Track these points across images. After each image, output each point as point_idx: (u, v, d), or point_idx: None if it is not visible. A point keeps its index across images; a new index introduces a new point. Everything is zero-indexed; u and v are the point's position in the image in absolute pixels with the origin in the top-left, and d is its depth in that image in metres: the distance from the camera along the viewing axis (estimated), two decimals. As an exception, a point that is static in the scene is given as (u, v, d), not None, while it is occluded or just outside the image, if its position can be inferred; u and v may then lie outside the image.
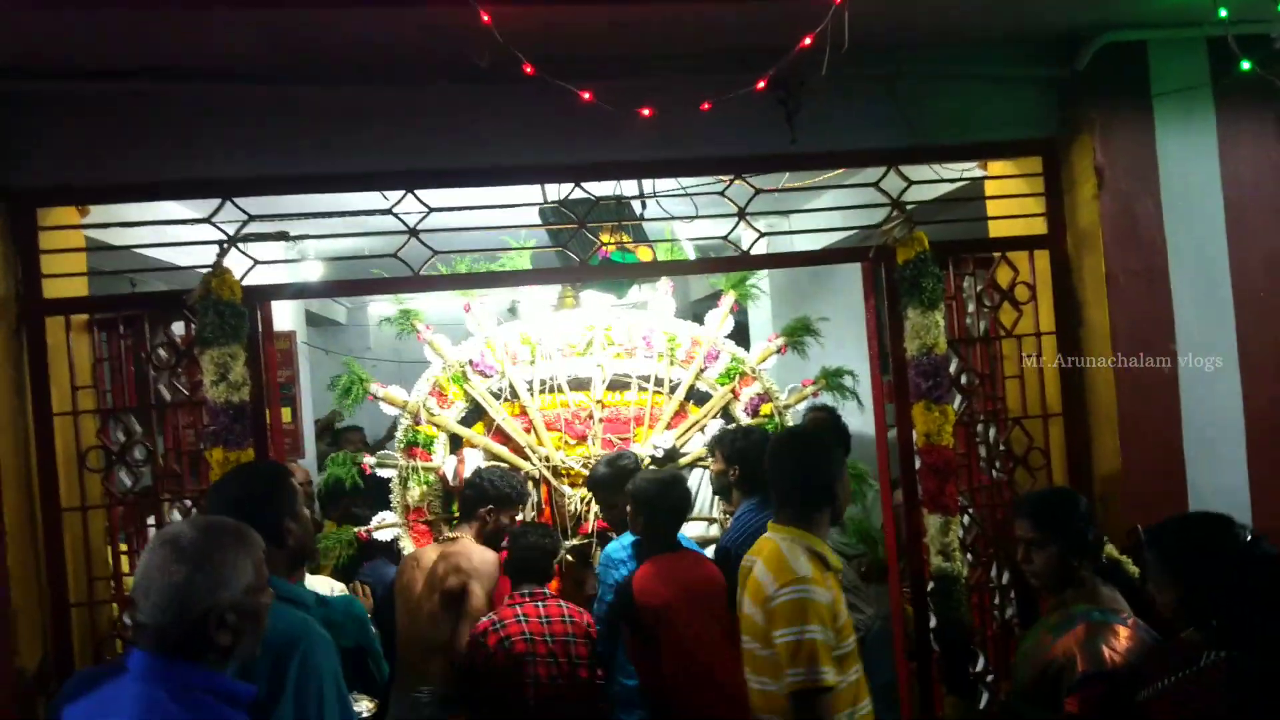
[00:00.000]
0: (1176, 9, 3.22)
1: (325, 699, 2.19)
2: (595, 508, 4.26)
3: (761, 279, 4.88)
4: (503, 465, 4.26)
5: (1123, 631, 2.49)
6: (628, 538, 3.70)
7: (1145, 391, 3.38)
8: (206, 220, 3.11)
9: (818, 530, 2.67)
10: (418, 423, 4.35)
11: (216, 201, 3.17)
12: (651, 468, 3.67)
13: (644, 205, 3.74)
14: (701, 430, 4.54)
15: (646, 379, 4.51)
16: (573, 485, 4.44)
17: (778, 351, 4.62)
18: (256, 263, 3.16)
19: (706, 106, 2.75)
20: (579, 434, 4.45)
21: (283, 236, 3.07)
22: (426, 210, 3.22)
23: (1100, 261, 3.40)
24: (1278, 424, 3.41)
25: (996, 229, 3.84)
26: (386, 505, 4.36)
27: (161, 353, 3.14)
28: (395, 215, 3.21)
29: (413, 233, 3.22)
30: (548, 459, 4.40)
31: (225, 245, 3.11)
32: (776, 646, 2.50)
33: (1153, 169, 3.45)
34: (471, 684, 3.39)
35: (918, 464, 3.44)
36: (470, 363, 4.37)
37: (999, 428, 3.65)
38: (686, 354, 4.53)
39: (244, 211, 3.13)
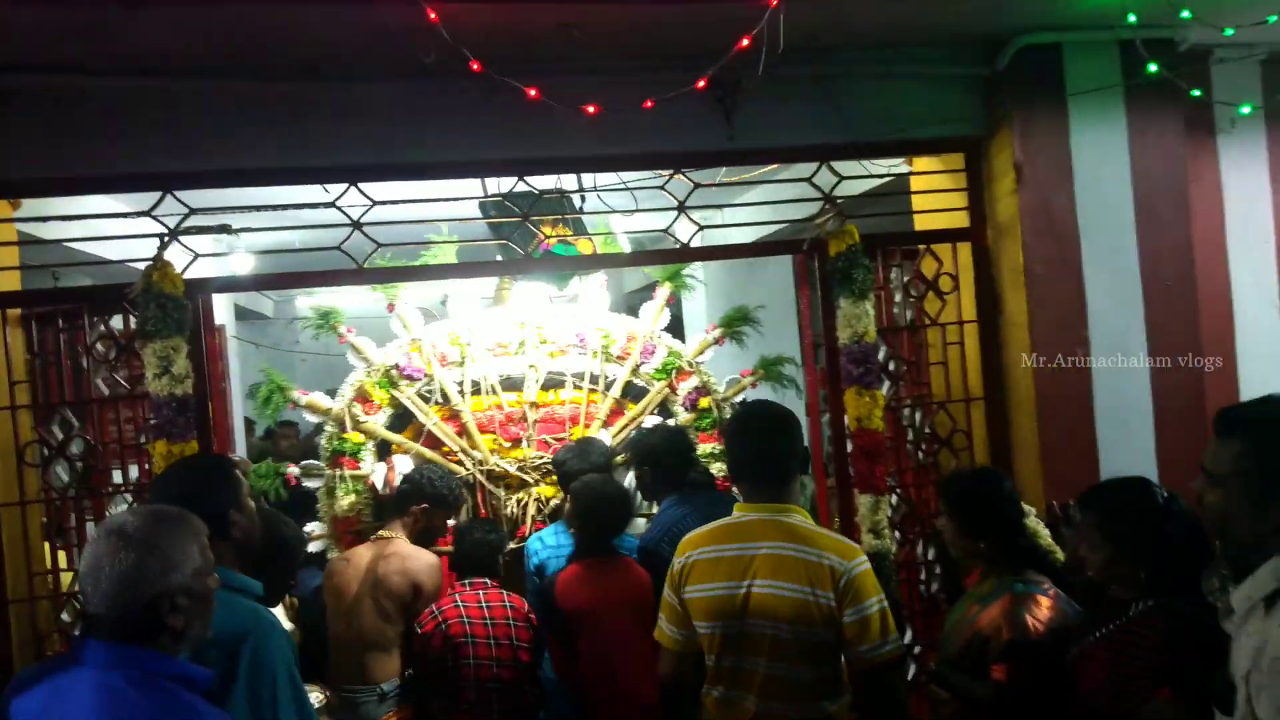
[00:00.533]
0: (1089, 13, 3.40)
1: (279, 685, 2.23)
2: (531, 510, 4.22)
3: (696, 270, 4.88)
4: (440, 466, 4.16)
5: (1044, 602, 2.66)
6: (553, 530, 3.80)
7: (1061, 376, 3.58)
8: (147, 213, 3.10)
9: (800, 503, 2.60)
10: (344, 430, 4.22)
11: (154, 196, 3.15)
12: (593, 476, 3.63)
13: (583, 199, 3.81)
14: (639, 427, 4.39)
15: (581, 377, 4.41)
16: (508, 489, 4.34)
17: (715, 343, 4.57)
18: (197, 256, 3.15)
19: (649, 104, 2.83)
20: (513, 436, 4.34)
21: (225, 229, 3.07)
22: (370, 203, 3.24)
23: (1019, 252, 3.59)
24: (1183, 405, 3.63)
25: (921, 222, 4.01)
26: (314, 516, 4.21)
27: (100, 346, 3.11)
28: (339, 208, 3.23)
29: (356, 225, 3.24)
30: (482, 463, 4.29)
31: (166, 239, 3.10)
32: (868, 617, 2.38)
33: (1067, 164, 3.64)
34: (416, 675, 3.42)
35: (849, 447, 3.59)
36: (396, 366, 4.23)
37: (924, 412, 3.82)
38: (622, 350, 4.45)
39: (185, 205, 3.12)
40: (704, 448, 4.38)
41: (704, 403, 4.54)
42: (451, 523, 3.89)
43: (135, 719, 1.74)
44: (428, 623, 3.36)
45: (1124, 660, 2.29)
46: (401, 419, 4.38)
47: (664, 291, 4.54)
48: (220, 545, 2.13)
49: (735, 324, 4.57)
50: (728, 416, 4.38)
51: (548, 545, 3.75)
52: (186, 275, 3.09)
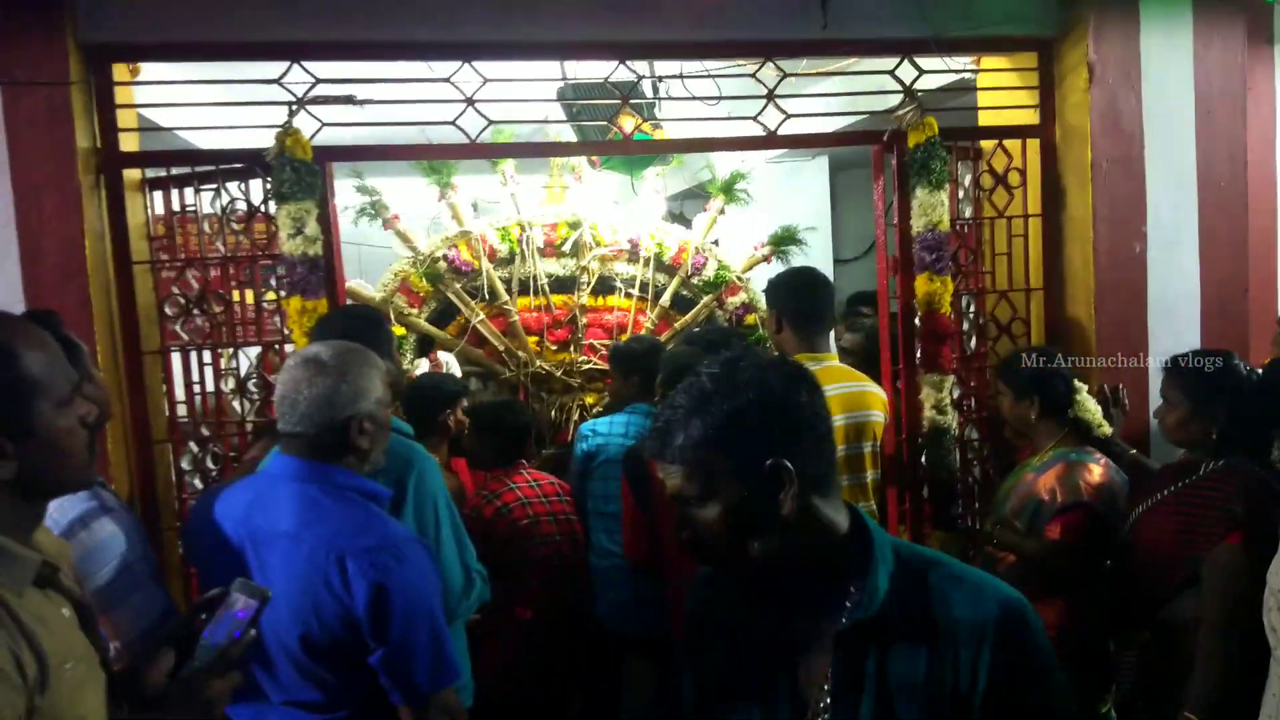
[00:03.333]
0: (1171, -82, 3.55)
1: (439, 509, 2.49)
2: (575, 416, 4.11)
3: (747, 184, 4.72)
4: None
5: (1095, 469, 2.93)
6: (607, 420, 3.63)
7: (1117, 268, 3.81)
8: (277, 81, 3.25)
9: None
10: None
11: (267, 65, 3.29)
12: (682, 347, 3.58)
13: (662, 87, 3.95)
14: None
15: (631, 283, 4.29)
16: (550, 393, 4.22)
17: (764, 260, 4.52)
18: (323, 124, 3.32)
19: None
20: (560, 338, 4.19)
21: (350, 100, 3.24)
22: (482, 80, 3.40)
23: (1086, 150, 3.78)
24: (1226, 297, 3.88)
25: (986, 119, 4.18)
26: None
27: (239, 207, 3.30)
28: (453, 84, 3.39)
29: (469, 102, 3.41)
30: (527, 365, 4.16)
31: (295, 107, 3.26)
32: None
33: (1136, 67, 3.80)
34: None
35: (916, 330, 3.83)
36: (444, 258, 4.10)
37: (981, 303, 4.05)
38: (673, 258, 4.35)
39: (311, 75, 3.28)
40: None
41: (750, 319, 4.53)
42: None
43: (330, 521, 1.95)
44: (486, 508, 3.31)
45: (1195, 512, 2.51)
46: (444, 314, 4.22)
47: (716, 202, 4.49)
48: None
49: (783, 243, 4.59)
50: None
51: (600, 433, 3.58)
52: (313, 143, 3.27)
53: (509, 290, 4.22)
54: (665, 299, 4.38)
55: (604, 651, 3.59)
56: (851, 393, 3.02)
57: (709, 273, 4.46)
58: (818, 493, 1.31)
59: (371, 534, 1.93)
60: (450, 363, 4.14)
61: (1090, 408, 3.31)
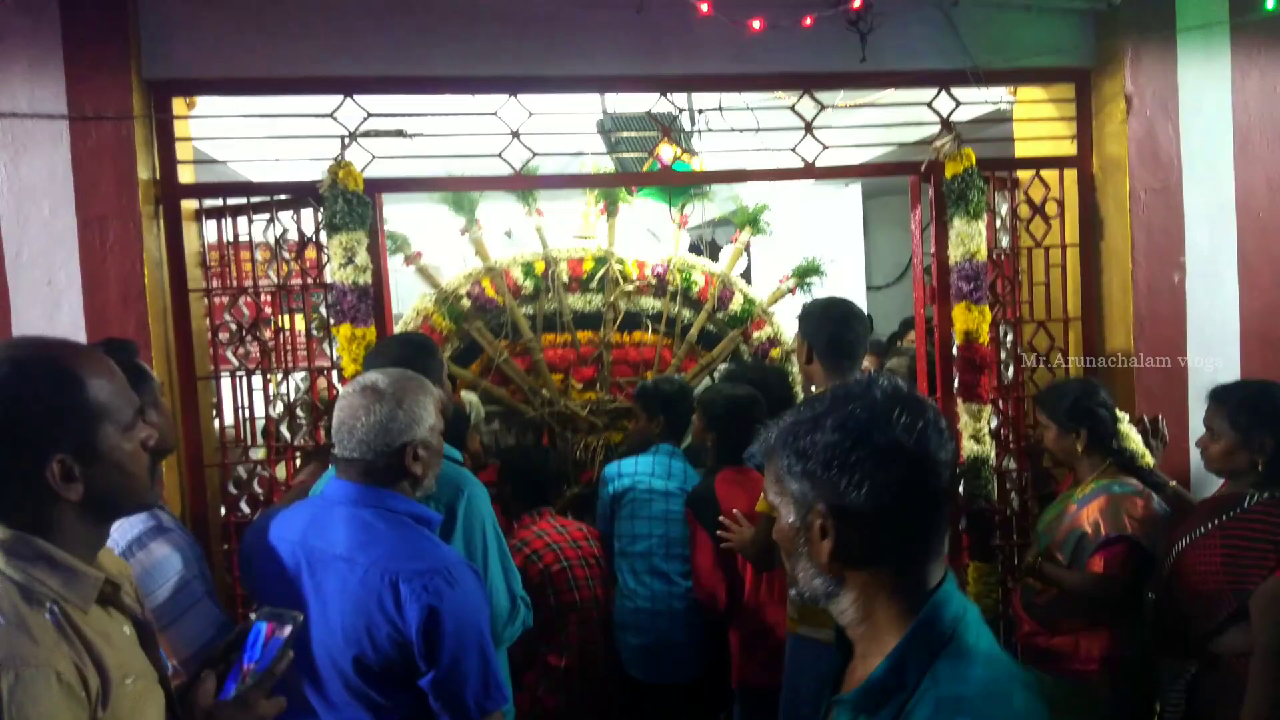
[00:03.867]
0: (1206, -48, 3.58)
1: (487, 534, 2.53)
2: (600, 457, 4.00)
3: (771, 215, 4.65)
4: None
5: (1139, 502, 2.92)
6: (633, 460, 3.56)
7: (1156, 299, 3.81)
8: (330, 115, 3.35)
9: None
10: None
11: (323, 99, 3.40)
12: (719, 383, 3.58)
13: (701, 119, 4.02)
14: (711, 375, 4.31)
15: (657, 318, 4.19)
16: (575, 432, 4.10)
17: (789, 292, 4.47)
18: (374, 157, 3.41)
19: (809, 21, 3.05)
20: (586, 376, 4.09)
21: (401, 134, 3.32)
22: (528, 114, 3.49)
23: (1124, 180, 3.80)
24: (1268, 328, 3.88)
25: (1023, 149, 4.21)
26: None
27: (291, 237, 3.40)
28: (499, 118, 3.48)
29: (515, 135, 3.49)
30: (551, 404, 4.05)
31: (347, 140, 3.36)
32: None
33: (1173, 97, 3.83)
34: None
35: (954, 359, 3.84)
36: (467, 294, 3.99)
37: (1018, 332, 4.06)
38: (700, 292, 4.27)
39: (363, 109, 3.37)
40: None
41: (774, 353, 4.47)
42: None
43: (384, 544, 1.98)
44: (515, 556, 3.22)
45: (1242, 545, 2.51)
46: (467, 352, 4.10)
47: (743, 235, 4.44)
48: None
49: (807, 275, 4.55)
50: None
51: (627, 473, 3.51)
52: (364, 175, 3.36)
53: (533, 327, 4.12)
54: (692, 334, 4.31)
55: (633, 699, 3.51)
56: None
57: (735, 306, 4.41)
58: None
59: (424, 558, 1.96)
60: (473, 402, 4.05)
61: (1134, 439, 3.31)
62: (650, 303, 4.24)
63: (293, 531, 2.11)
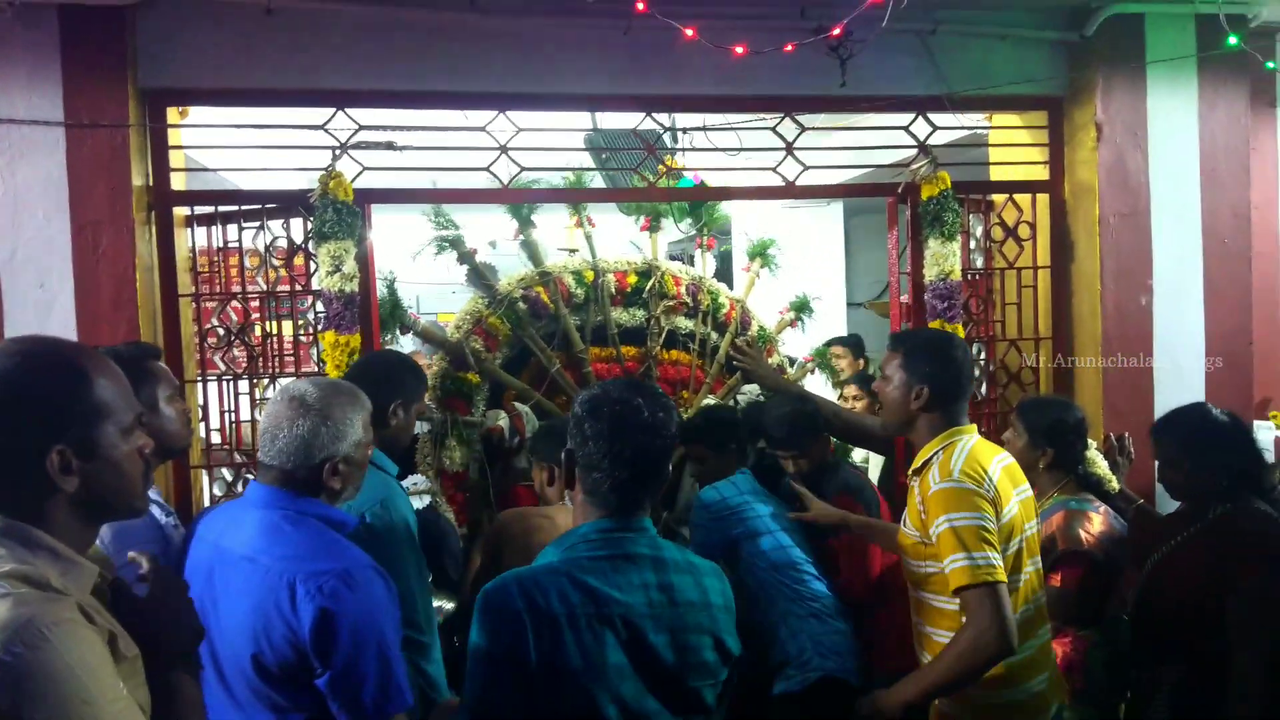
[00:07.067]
0: (1173, -13, 3.71)
1: (405, 542, 2.47)
2: None
3: (777, 250, 4.56)
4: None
5: (1095, 518, 2.97)
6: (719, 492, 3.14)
7: (1124, 320, 3.93)
8: (321, 127, 3.42)
9: None
10: (460, 368, 3.74)
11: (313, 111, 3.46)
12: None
13: (682, 138, 4.11)
14: (734, 400, 4.28)
15: (689, 337, 4.16)
16: None
17: (790, 324, 4.50)
18: (365, 169, 3.49)
19: (790, 48, 3.15)
20: None
21: (391, 146, 3.40)
22: (516, 130, 3.57)
23: (1095, 205, 3.92)
24: (1232, 350, 4.00)
25: (998, 174, 4.34)
26: (412, 468, 3.66)
27: (280, 244, 3.46)
28: (487, 133, 3.57)
29: (503, 150, 3.58)
30: None
31: (338, 151, 3.44)
32: None
33: (1143, 127, 3.96)
34: None
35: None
36: (524, 299, 3.82)
37: (994, 349, 4.17)
38: (725, 315, 4.27)
39: (354, 121, 3.45)
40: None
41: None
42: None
43: (287, 545, 1.96)
44: None
45: (1214, 554, 2.57)
46: (515, 361, 3.93)
47: (755, 265, 4.46)
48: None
49: (804, 309, 4.53)
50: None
51: (733, 503, 3.09)
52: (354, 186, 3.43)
53: (583, 337, 3.95)
54: (721, 355, 4.21)
55: None
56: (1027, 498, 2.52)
57: (753, 332, 4.41)
58: None
59: (325, 559, 1.93)
60: (528, 414, 3.87)
61: (1100, 466, 3.38)
62: (683, 322, 4.21)
63: (212, 532, 2.11)
